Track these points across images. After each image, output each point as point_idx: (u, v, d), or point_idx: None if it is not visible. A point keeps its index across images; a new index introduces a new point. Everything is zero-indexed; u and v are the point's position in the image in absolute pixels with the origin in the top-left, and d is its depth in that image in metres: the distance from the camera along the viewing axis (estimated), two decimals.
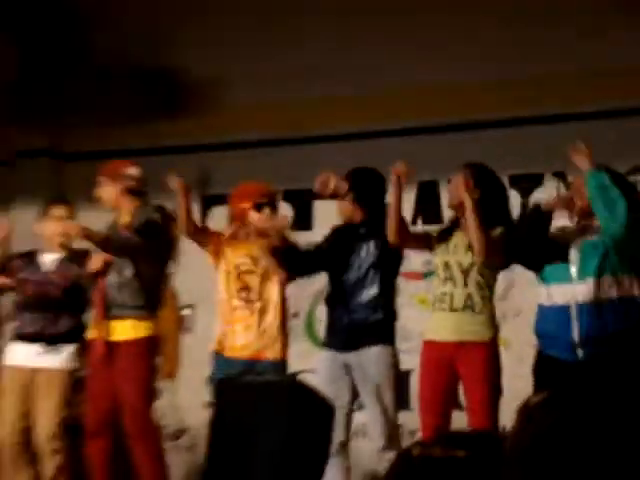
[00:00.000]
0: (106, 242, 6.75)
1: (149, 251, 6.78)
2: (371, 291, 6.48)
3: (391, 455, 6.10)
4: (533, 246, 6.02)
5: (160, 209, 6.95)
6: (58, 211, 7.28)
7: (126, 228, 6.77)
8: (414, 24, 8.60)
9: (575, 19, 8.27)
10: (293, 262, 6.67)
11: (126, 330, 6.74)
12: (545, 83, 8.32)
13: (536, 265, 6.01)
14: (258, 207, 6.76)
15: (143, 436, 6.73)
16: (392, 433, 6.35)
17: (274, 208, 6.87)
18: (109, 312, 6.75)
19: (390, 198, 6.30)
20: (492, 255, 6.18)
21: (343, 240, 6.65)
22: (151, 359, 6.83)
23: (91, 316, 6.96)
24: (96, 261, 6.85)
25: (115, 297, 6.76)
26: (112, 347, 6.72)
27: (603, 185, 5.72)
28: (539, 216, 6.00)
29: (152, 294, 6.87)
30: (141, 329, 6.76)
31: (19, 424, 7.07)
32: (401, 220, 6.28)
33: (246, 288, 6.72)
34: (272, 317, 6.68)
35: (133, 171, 7.00)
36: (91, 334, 6.86)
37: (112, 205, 7.01)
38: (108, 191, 6.97)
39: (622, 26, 8.12)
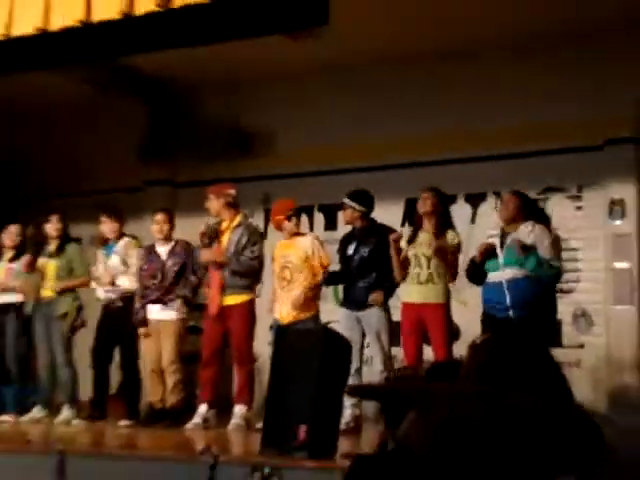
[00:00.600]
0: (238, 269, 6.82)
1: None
2: (370, 273, 6.58)
3: (385, 374, 6.28)
4: (477, 279, 6.08)
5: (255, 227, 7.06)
6: (159, 216, 7.34)
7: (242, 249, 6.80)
8: (433, 74, 8.38)
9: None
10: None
11: (234, 299, 6.83)
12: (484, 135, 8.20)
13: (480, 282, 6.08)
14: (288, 218, 6.84)
15: (243, 364, 6.89)
16: (387, 362, 6.49)
17: (298, 218, 6.90)
18: (223, 290, 6.83)
19: (392, 255, 6.36)
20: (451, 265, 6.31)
21: (348, 243, 6.76)
22: (250, 315, 6.91)
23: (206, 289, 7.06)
24: (206, 255, 6.95)
25: (228, 280, 6.83)
26: (223, 308, 6.81)
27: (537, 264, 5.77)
28: (476, 265, 6.03)
29: (252, 277, 6.95)
30: (244, 297, 6.85)
31: (153, 353, 7.19)
32: (401, 266, 6.37)
33: (284, 277, 6.74)
34: (300, 294, 6.63)
35: (231, 190, 7.06)
36: (209, 300, 6.92)
37: (216, 214, 7.04)
38: (214, 204, 7.01)
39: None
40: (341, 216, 7.36)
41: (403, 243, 6.44)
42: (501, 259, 5.90)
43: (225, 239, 6.92)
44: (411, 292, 6.40)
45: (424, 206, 6.42)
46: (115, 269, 7.43)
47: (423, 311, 6.32)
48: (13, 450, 5.30)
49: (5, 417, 7.49)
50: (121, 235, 7.58)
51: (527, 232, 5.89)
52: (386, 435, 2.60)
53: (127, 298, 7.36)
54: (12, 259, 7.87)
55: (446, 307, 6.37)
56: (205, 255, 6.92)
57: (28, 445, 5.48)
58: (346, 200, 6.78)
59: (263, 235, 7.05)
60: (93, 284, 7.56)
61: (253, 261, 6.83)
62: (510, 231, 5.95)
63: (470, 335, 5.99)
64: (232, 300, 6.83)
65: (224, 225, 6.97)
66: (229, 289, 6.82)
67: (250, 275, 6.88)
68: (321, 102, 8.90)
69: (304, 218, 8.30)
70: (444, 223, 6.42)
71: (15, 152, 10.06)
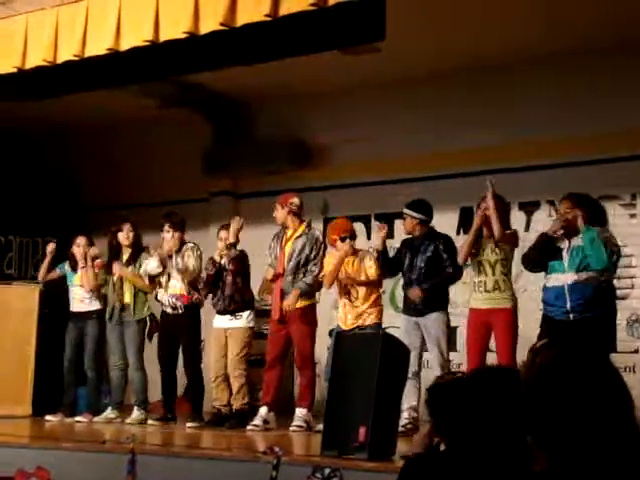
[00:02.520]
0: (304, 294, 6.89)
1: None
2: (429, 279, 6.55)
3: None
4: (541, 261, 6.03)
5: (318, 236, 7.09)
6: (224, 234, 7.33)
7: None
8: (486, 86, 8.36)
9: None
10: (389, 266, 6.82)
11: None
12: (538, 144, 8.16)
13: (543, 267, 6.03)
14: (342, 239, 6.86)
15: (305, 367, 6.94)
16: (444, 366, 6.47)
17: (353, 238, 6.90)
18: (283, 296, 6.89)
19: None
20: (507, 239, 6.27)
21: (407, 250, 6.75)
22: (311, 319, 6.95)
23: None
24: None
25: (286, 287, 6.92)
26: (285, 313, 6.85)
27: (592, 238, 5.78)
28: (547, 240, 6.00)
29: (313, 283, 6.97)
30: (304, 302, 6.89)
31: (219, 360, 7.27)
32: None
33: (347, 291, 6.78)
34: (363, 302, 6.70)
35: (296, 200, 7.11)
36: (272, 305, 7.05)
37: (282, 223, 7.10)
38: (279, 213, 7.07)
39: None
40: (400, 225, 7.35)
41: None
42: (566, 262, 5.86)
43: (288, 247, 6.99)
44: (477, 298, 6.36)
45: (480, 217, 6.40)
46: (178, 274, 7.51)
47: (490, 316, 6.27)
48: (89, 449, 5.42)
49: (80, 418, 7.66)
50: (182, 244, 7.64)
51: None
52: (434, 437, 2.62)
53: (189, 305, 7.46)
54: (82, 268, 7.98)
55: (513, 312, 6.29)
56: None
57: (102, 445, 5.59)
58: (406, 210, 6.79)
59: (325, 245, 7.05)
60: (157, 290, 7.65)
61: (317, 276, 6.89)
62: (573, 235, 5.91)
63: (525, 340, 6.03)
64: (297, 304, 6.86)
65: (288, 234, 7.05)
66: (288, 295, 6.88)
67: (315, 287, 6.98)
68: (377, 115, 8.94)
69: (361, 227, 8.38)
70: (505, 228, 6.35)
71: (85, 166, 10.25)
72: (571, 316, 5.75)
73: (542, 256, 5.98)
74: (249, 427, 6.78)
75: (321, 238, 7.12)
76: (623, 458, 1.79)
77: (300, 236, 7.00)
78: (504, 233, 6.23)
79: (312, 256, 6.92)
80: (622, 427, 1.82)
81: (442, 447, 2.60)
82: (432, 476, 2.38)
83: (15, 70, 6.55)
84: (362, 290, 6.73)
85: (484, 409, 2.31)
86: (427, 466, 2.44)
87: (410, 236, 6.86)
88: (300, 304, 6.87)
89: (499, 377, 2.38)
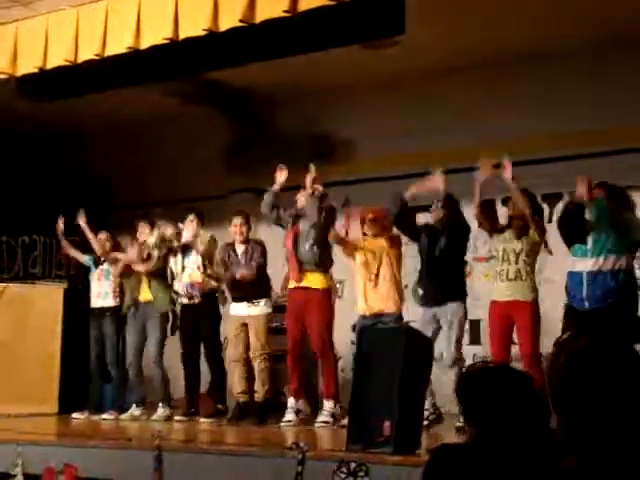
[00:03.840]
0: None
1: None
2: (447, 270, 6.49)
3: (454, 370, 6.22)
4: (573, 226, 5.91)
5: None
6: (238, 219, 7.45)
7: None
8: (506, 80, 8.31)
9: None
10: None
11: (312, 281, 6.87)
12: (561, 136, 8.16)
13: (572, 240, 5.90)
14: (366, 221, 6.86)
15: (326, 355, 6.90)
16: (457, 356, 6.33)
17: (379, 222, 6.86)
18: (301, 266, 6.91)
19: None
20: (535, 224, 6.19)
21: (428, 236, 6.62)
22: (326, 305, 6.91)
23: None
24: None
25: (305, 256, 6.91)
26: (301, 297, 6.85)
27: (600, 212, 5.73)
28: (576, 206, 5.93)
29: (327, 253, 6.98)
30: (321, 279, 6.89)
31: (236, 346, 7.29)
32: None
33: (371, 271, 6.74)
34: (386, 289, 6.69)
35: (320, 188, 7.09)
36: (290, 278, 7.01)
37: (301, 207, 7.08)
38: (302, 196, 7.10)
39: None
40: (420, 218, 7.31)
41: None
42: (589, 246, 5.79)
43: (300, 223, 7.03)
44: (499, 289, 6.29)
45: (513, 207, 6.35)
46: (194, 263, 7.55)
47: (511, 309, 6.21)
48: (116, 446, 5.44)
49: (106, 415, 7.69)
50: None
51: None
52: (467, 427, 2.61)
53: (205, 294, 7.48)
54: (103, 263, 8.09)
55: (535, 304, 6.22)
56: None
57: (129, 442, 5.61)
58: (437, 203, 6.70)
59: (334, 208, 7.06)
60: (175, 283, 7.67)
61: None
62: None
63: (548, 332, 5.99)
64: (310, 282, 6.86)
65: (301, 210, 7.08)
66: (307, 265, 6.87)
67: (324, 249, 6.92)
68: (398, 109, 8.91)
69: None
70: (535, 221, 6.28)
71: (107, 164, 10.28)
72: (586, 304, 5.69)
73: (570, 229, 5.91)
74: (282, 423, 6.74)
75: (327, 204, 7.06)
76: None
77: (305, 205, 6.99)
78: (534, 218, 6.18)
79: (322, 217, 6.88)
80: None
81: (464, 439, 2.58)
82: (460, 466, 2.37)
83: (37, 70, 6.58)
84: (384, 270, 6.70)
85: (515, 400, 2.32)
86: (455, 456, 2.43)
87: (429, 224, 6.80)
88: (316, 282, 6.84)
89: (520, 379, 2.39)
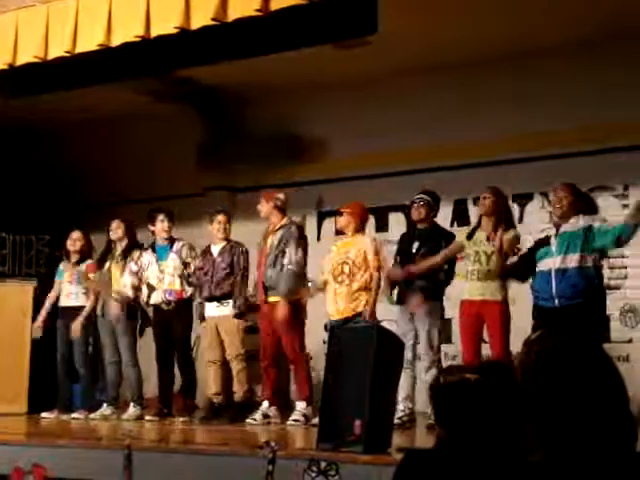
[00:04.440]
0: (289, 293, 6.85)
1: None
2: (428, 273, 6.50)
3: (432, 371, 6.27)
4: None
5: (297, 227, 7.06)
6: (221, 216, 7.45)
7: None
8: (479, 80, 8.34)
9: None
10: None
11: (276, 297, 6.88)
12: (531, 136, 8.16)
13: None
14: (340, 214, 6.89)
15: (298, 360, 6.95)
16: (434, 359, 6.44)
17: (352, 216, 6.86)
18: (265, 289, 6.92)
19: None
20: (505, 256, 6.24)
21: (409, 242, 6.73)
22: (296, 312, 6.94)
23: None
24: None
25: (270, 281, 6.92)
26: (271, 305, 6.87)
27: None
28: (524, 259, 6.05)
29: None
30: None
31: (211, 348, 7.32)
32: None
33: (343, 271, 6.74)
34: (357, 287, 6.68)
35: (281, 195, 7.14)
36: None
37: (266, 216, 7.12)
38: (264, 207, 7.10)
39: None
40: (395, 218, 7.32)
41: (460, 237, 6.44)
42: (554, 246, 5.83)
43: (269, 240, 7.02)
44: (470, 289, 6.34)
45: (483, 205, 6.40)
46: (174, 270, 7.50)
47: (482, 308, 6.26)
48: (85, 445, 5.40)
49: (76, 414, 7.63)
50: (171, 239, 7.65)
51: (576, 225, 5.84)
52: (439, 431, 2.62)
53: (180, 300, 7.45)
54: (76, 263, 7.99)
55: (505, 304, 6.29)
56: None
57: (99, 441, 5.57)
58: (424, 196, 6.73)
59: (305, 237, 7.03)
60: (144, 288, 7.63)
61: (295, 266, 6.86)
62: (562, 223, 5.90)
63: (519, 331, 6.02)
64: (275, 298, 6.89)
65: (270, 228, 7.07)
66: (271, 290, 6.91)
67: (295, 282, 6.92)
68: (370, 108, 8.91)
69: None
70: (505, 222, 6.34)
71: (79, 162, 10.19)
72: (556, 302, 5.71)
73: (524, 271, 6.03)
74: (248, 421, 6.78)
75: (302, 231, 7.08)
76: (617, 446, 1.84)
77: (279, 229, 7.00)
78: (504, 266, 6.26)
79: (288, 249, 6.90)
80: (617, 417, 1.86)
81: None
82: (432, 469, 2.37)
83: (6, 67, 6.52)
84: (358, 273, 6.70)
85: (489, 406, 2.34)
86: (427, 460, 2.43)
87: (409, 231, 6.87)
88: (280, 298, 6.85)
89: (501, 373, 2.39)
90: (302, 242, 7.02)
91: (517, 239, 6.32)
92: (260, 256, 7.10)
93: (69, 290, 7.94)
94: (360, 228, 6.92)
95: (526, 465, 1.93)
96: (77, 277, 7.92)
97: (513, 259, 6.11)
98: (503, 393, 2.26)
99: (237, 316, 7.21)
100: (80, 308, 7.87)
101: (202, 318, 7.39)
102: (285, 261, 6.88)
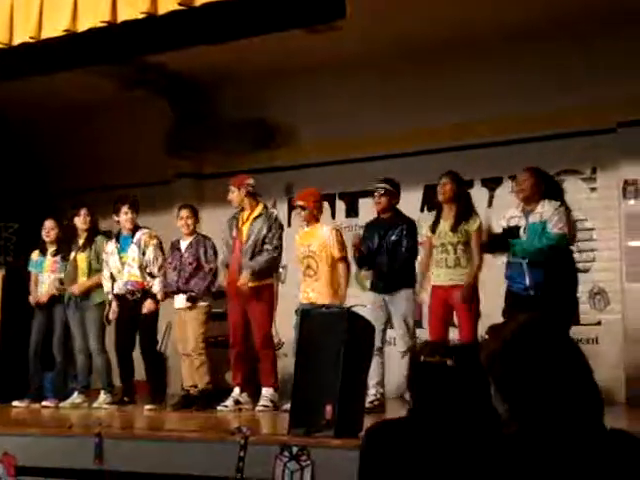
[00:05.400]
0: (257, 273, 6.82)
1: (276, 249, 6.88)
2: (398, 258, 6.57)
3: (408, 356, 6.34)
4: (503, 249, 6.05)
5: (275, 217, 7.06)
6: (184, 212, 7.39)
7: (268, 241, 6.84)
8: (448, 64, 8.33)
9: None
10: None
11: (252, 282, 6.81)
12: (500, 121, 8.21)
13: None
14: (302, 208, 6.83)
15: (266, 347, 6.93)
16: (410, 342, 6.48)
17: (309, 209, 6.83)
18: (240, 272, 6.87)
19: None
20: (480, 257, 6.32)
21: (375, 230, 6.74)
22: (268, 299, 6.96)
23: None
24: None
25: (245, 265, 6.88)
26: (240, 292, 6.81)
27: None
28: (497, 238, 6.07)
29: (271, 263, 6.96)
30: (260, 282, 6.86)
31: (181, 341, 7.29)
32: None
33: (309, 265, 6.74)
34: (325, 281, 6.68)
35: (251, 181, 7.08)
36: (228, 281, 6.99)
37: (238, 205, 7.08)
38: (235, 195, 7.04)
39: None
40: (365, 204, 7.32)
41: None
42: (524, 239, 5.88)
43: (245, 229, 6.98)
44: (439, 275, 6.40)
45: (443, 192, 6.43)
46: (133, 262, 7.46)
47: (451, 293, 6.31)
48: (56, 434, 5.38)
49: (47, 403, 7.60)
50: (135, 228, 7.61)
51: (541, 212, 5.88)
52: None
53: (142, 289, 7.43)
54: (55, 253, 7.93)
55: (474, 288, 6.34)
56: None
57: (69, 429, 5.55)
58: (384, 185, 6.73)
59: (282, 225, 7.03)
60: (106, 277, 7.57)
61: (274, 252, 6.88)
62: (530, 210, 5.93)
63: (489, 316, 6.07)
64: (250, 282, 6.86)
65: (245, 215, 7.02)
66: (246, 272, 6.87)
67: (271, 267, 6.94)
68: (339, 93, 8.91)
69: (325, 206, 8.33)
70: (465, 209, 6.39)
71: (47, 149, 10.14)
72: (531, 292, 5.77)
73: (503, 247, 6.01)
74: (219, 407, 6.78)
75: (279, 219, 7.08)
76: (585, 417, 1.96)
77: (258, 217, 6.98)
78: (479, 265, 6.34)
79: (270, 236, 6.90)
80: (583, 390, 1.97)
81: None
82: (398, 437, 2.43)
83: None
84: (323, 266, 6.71)
85: (465, 389, 2.45)
86: (393, 429, 2.50)
87: (374, 219, 6.86)
88: (256, 283, 6.85)
89: (474, 354, 2.47)
90: (281, 230, 7.02)
91: (482, 225, 6.35)
92: (234, 243, 7.05)
93: (49, 280, 7.88)
94: (317, 219, 6.91)
95: (501, 436, 2.03)
96: (58, 267, 7.86)
97: (496, 232, 6.11)
98: (478, 373, 2.31)
99: (190, 299, 7.17)
100: (60, 297, 7.80)
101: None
102: (268, 247, 6.87)
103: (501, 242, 6.01)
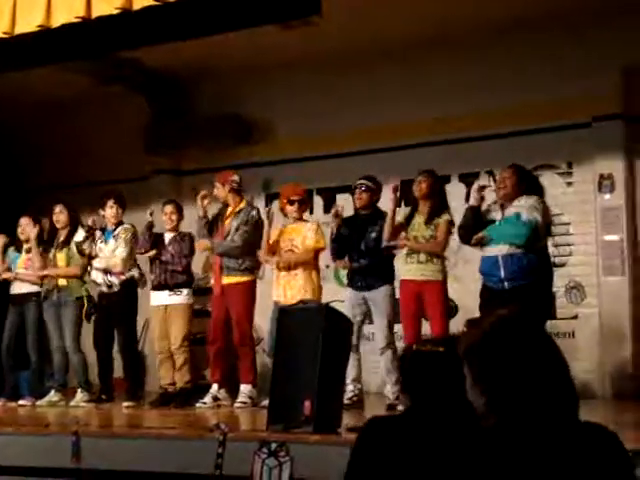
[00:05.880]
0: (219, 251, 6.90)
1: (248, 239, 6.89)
2: (377, 255, 6.54)
3: (388, 352, 6.37)
4: (473, 229, 6.03)
5: (256, 208, 7.06)
6: (169, 208, 7.42)
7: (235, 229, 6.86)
8: (423, 60, 8.36)
9: None
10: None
11: (232, 279, 6.90)
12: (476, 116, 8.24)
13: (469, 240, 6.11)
14: (291, 202, 6.88)
15: (245, 344, 6.94)
16: (389, 341, 6.49)
17: (302, 203, 6.92)
18: (222, 271, 6.90)
19: (390, 207, 6.40)
20: (445, 243, 6.36)
21: (353, 226, 6.72)
22: (248, 296, 6.96)
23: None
24: (201, 246, 7.06)
25: (224, 261, 6.90)
26: (224, 288, 6.89)
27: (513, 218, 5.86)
28: (474, 213, 6.08)
29: (242, 258, 6.96)
30: (242, 278, 6.90)
31: (162, 339, 7.28)
32: (393, 225, 6.39)
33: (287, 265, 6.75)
34: (303, 279, 6.71)
35: (235, 177, 7.11)
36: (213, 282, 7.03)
37: (223, 200, 7.07)
38: (220, 191, 7.06)
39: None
40: (344, 200, 7.32)
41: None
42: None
43: (227, 224, 6.99)
44: (410, 269, 6.41)
45: (419, 189, 6.44)
46: (111, 253, 7.44)
47: (422, 288, 6.33)
48: (32, 432, 5.34)
49: (23, 401, 7.55)
50: (119, 223, 7.60)
51: (517, 205, 5.89)
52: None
53: (124, 282, 7.38)
54: (29, 250, 7.87)
55: (444, 284, 6.39)
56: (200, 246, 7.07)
57: (46, 428, 5.51)
58: (365, 182, 6.72)
59: (260, 220, 7.02)
60: (93, 271, 7.54)
61: (234, 243, 6.88)
62: (507, 205, 5.95)
63: (466, 310, 6.11)
64: (230, 280, 6.89)
65: (229, 210, 7.04)
66: (226, 270, 6.91)
67: (242, 256, 6.89)
68: (316, 89, 8.90)
69: None
70: (439, 205, 6.42)
71: (23, 146, 10.07)
72: (506, 284, 5.79)
73: (474, 231, 6.00)
74: (198, 404, 6.77)
75: (258, 215, 7.08)
76: (558, 411, 2.00)
77: (239, 212, 7.00)
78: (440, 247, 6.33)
79: (242, 227, 6.91)
80: (559, 384, 2.01)
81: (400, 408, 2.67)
82: (391, 434, 2.44)
83: None
84: (301, 264, 6.72)
85: (453, 378, 2.42)
86: (386, 426, 2.51)
87: (351, 216, 6.84)
88: (238, 280, 6.86)
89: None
90: (254, 224, 7.00)
91: (451, 222, 6.39)
92: (217, 238, 7.06)
93: (22, 277, 7.81)
94: (302, 215, 6.97)
95: (480, 429, 2.06)
96: (31, 264, 7.81)
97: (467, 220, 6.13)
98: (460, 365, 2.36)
99: (174, 294, 7.19)
100: (32, 294, 7.77)
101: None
102: (235, 237, 6.88)
103: (474, 219, 6.01)
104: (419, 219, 6.44)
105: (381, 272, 6.56)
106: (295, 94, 9.00)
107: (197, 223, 7.16)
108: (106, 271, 7.42)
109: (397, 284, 6.60)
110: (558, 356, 2.05)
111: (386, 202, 6.76)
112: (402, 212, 6.67)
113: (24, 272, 7.84)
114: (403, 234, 6.47)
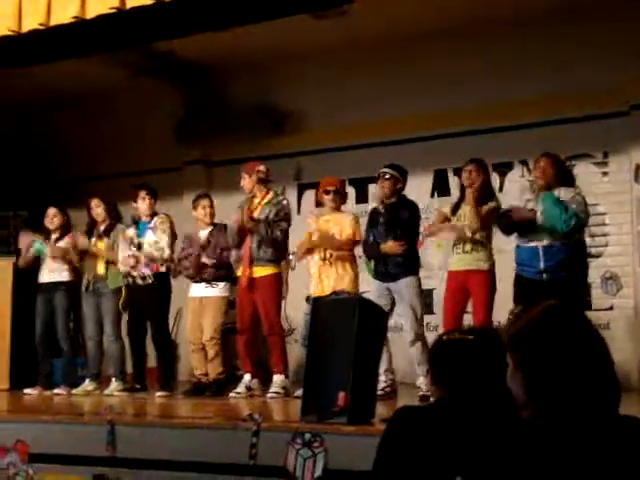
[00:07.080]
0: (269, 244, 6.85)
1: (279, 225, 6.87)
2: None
3: (418, 344, 6.33)
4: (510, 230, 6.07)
5: (285, 204, 7.02)
6: (205, 201, 7.45)
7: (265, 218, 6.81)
8: (458, 49, 8.29)
9: None
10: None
11: (261, 271, 6.88)
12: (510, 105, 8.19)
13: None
14: (326, 192, 6.88)
15: (274, 335, 6.95)
16: (418, 332, 6.42)
17: (337, 193, 6.89)
18: (252, 262, 6.88)
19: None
20: (485, 226, 6.25)
21: (379, 217, 6.67)
22: (276, 287, 6.97)
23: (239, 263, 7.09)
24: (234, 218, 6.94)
25: (255, 253, 6.89)
26: (252, 280, 6.88)
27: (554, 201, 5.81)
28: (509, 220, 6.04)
29: (277, 250, 6.97)
30: (270, 270, 6.89)
31: (194, 331, 7.32)
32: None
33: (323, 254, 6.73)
34: (340, 269, 6.70)
35: (262, 167, 7.07)
36: (240, 273, 7.00)
37: (249, 192, 7.03)
38: (247, 182, 7.03)
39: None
40: (373, 189, 7.28)
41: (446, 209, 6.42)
42: (540, 221, 5.87)
43: (255, 215, 6.95)
44: (456, 260, 6.35)
45: (467, 179, 6.36)
46: (151, 246, 7.45)
47: (467, 278, 6.26)
48: (68, 421, 5.38)
49: (58, 390, 7.62)
50: (153, 214, 7.61)
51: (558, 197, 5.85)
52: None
53: (157, 274, 7.42)
54: (57, 240, 7.94)
55: (489, 273, 6.26)
56: (233, 218, 6.98)
57: (81, 417, 5.56)
58: (389, 170, 6.65)
59: (289, 211, 7.00)
60: (123, 262, 7.55)
61: (281, 234, 6.87)
62: (542, 194, 5.91)
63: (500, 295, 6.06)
64: (259, 272, 6.88)
65: (256, 202, 7.01)
66: (256, 261, 6.88)
67: (275, 247, 6.90)
68: (349, 79, 8.88)
69: None
70: (486, 194, 6.33)
71: (54, 138, 10.13)
72: (544, 276, 5.76)
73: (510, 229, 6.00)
74: (231, 394, 6.79)
75: (288, 205, 7.05)
76: (600, 403, 1.99)
77: (268, 203, 6.97)
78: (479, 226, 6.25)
79: (278, 221, 6.88)
80: (601, 376, 2.00)
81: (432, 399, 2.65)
82: (422, 424, 2.43)
83: None
84: (337, 253, 6.69)
85: (486, 366, 2.47)
86: (416, 416, 2.50)
87: (378, 206, 6.79)
88: (265, 271, 6.86)
89: (492, 336, 2.53)
90: (289, 216, 7.01)
91: (497, 209, 6.30)
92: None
93: (51, 266, 7.86)
94: (339, 206, 6.94)
95: (517, 420, 2.06)
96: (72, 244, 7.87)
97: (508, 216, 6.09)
98: (496, 354, 2.35)
99: (212, 286, 7.19)
100: (61, 283, 7.81)
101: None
102: (277, 233, 6.86)
103: (515, 228, 5.96)
104: (465, 209, 6.36)
105: (405, 263, 6.48)
106: (327, 84, 8.98)
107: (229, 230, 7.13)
108: (137, 262, 7.43)
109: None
110: (603, 349, 2.04)
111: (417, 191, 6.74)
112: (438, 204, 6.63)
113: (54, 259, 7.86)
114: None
